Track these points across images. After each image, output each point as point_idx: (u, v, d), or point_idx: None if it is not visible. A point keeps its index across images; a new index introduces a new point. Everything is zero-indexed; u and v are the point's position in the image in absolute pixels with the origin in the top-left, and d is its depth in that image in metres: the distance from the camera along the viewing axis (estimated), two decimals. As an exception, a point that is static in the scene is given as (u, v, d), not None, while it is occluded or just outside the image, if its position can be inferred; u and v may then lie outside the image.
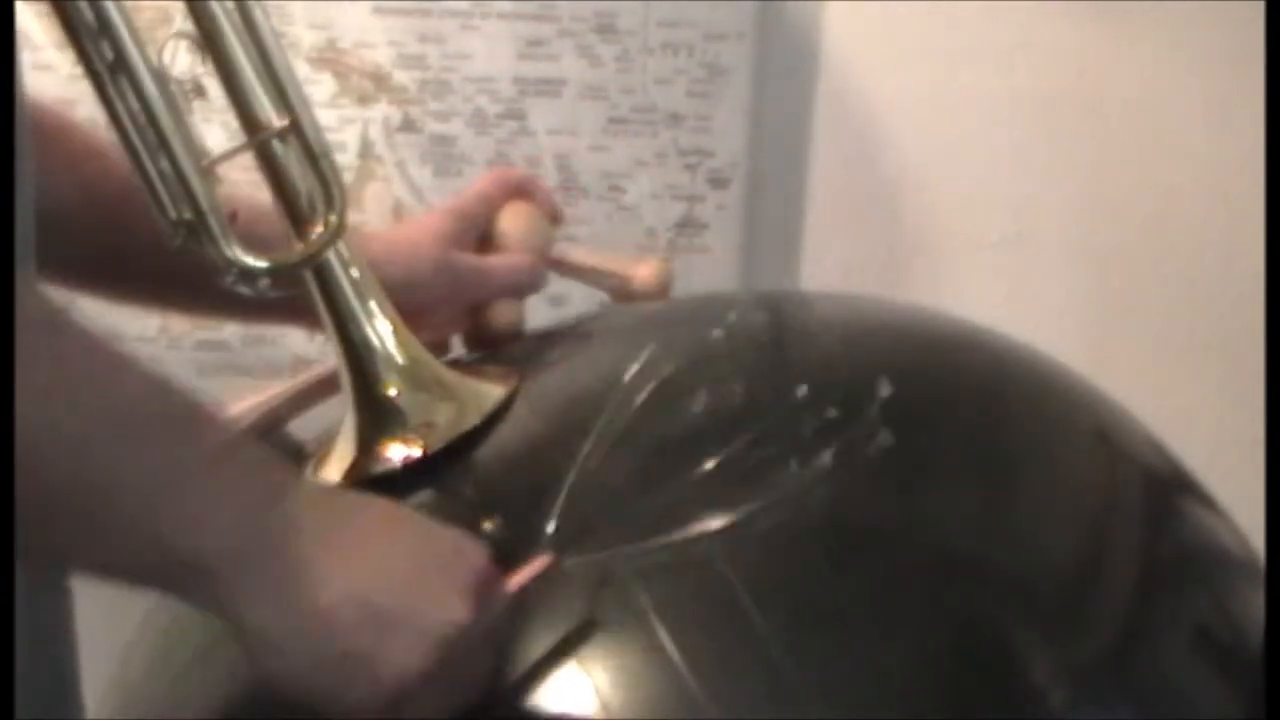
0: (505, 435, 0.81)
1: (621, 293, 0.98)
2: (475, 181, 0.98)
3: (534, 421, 0.82)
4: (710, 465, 0.76)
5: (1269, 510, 0.79)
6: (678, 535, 0.73)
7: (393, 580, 0.66)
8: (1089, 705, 0.73)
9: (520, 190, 0.97)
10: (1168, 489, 0.86)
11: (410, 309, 0.85)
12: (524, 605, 0.71)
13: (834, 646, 0.72)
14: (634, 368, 0.82)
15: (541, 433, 0.81)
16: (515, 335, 0.94)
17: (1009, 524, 0.79)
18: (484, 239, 0.95)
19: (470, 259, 0.92)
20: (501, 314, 0.93)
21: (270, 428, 0.92)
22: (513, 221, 0.95)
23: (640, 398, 0.79)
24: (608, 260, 0.99)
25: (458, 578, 0.67)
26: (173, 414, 0.64)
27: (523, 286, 0.94)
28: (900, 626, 0.72)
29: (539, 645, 0.70)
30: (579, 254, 0.98)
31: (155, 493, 0.62)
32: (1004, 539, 0.78)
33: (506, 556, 0.71)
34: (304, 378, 0.96)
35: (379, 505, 0.71)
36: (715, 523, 0.73)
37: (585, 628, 0.71)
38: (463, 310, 0.93)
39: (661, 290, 0.97)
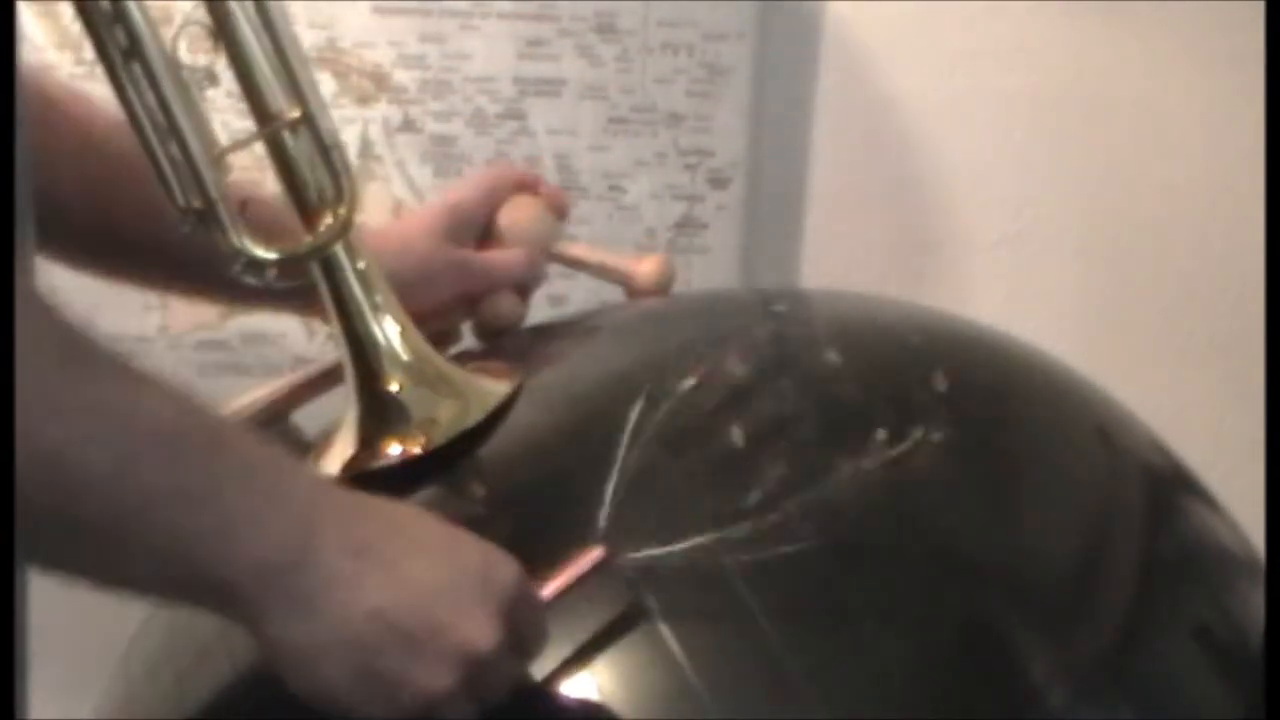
0: (509, 433, 0.81)
1: (625, 289, 0.98)
2: (475, 176, 0.98)
3: (541, 419, 0.82)
4: (724, 471, 0.76)
5: (1269, 510, 0.79)
6: (688, 542, 0.73)
7: (422, 598, 0.65)
8: (1088, 704, 0.73)
9: (523, 185, 0.97)
10: (1168, 488, 0.86)
11: (403, 304, 0.85)
12: (564, 603, 0.70)
13: (834, 646, 0.72)
14: (646, 371, 0.82)
15: (551, 430, 0.81)
16: (514, 329, 0.94)
17: (1009, 523, 0.79)
18: (486, 233, 0.95)
19: (466, 254, 0.92)
20: (500, 307, 0.93)
21: (271, 421, 0.92)
22: (515, 216, 0.95)
23: (653, 401, 0.79)
24: (610, 257, 0.99)
25: (488, 596, 0.66)
26: (201, 432, 0.63)
27: (521, 281, 0.94)
28: (900, 625, 0.72)
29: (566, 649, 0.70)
30: (581, 250, 0.98)
31: (187, 511, 0.61)
32: (1004, 538, 0.78)
33: (537, 556, 0.70)
34: (303, 372, 0.96)
35: (411, 518, 0.70)
36: (730, 529, 0.73)
37: (598, 639, 0.70)
38: (461, 304, 0.93)
39: (663, 287, 0.97)
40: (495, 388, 0.83)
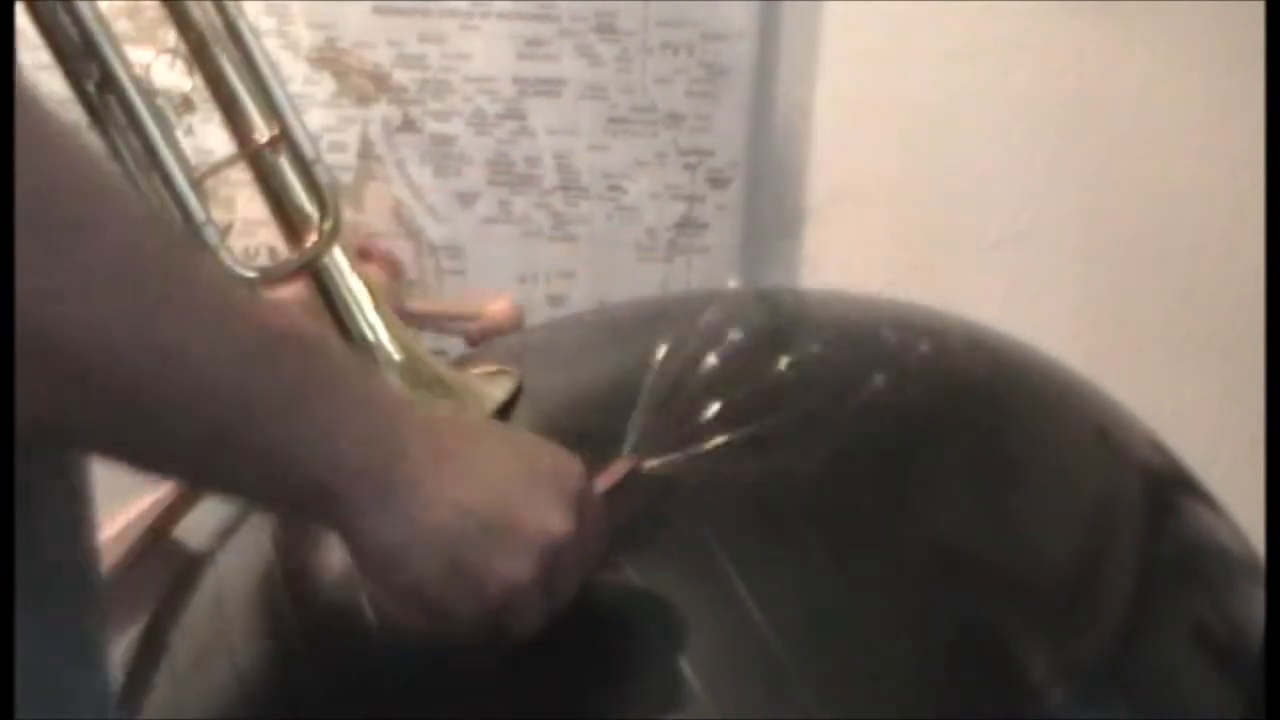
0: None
1: (476, 331, 1.01)
2: None
3: (537, 421, 0.82)
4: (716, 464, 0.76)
5: (1269, 510, 0.79)
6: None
7: (499, 494, 0.68)
8: (1088, 704, 0.73)
9: (360, 253, 0.99)
10: (1167, 488, 0.86)
11: None
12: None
13: (833, 645, 0.72)
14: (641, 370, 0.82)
15: (548, 431, 0.81)
16: None
17: (1009, 522, 0.79)
18: None
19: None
20: None
21: (155, 541, 0.93)
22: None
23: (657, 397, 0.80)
24: (456, 305, 1.02)
25: (560, 490, 0.69)
26: (297, 337, 0.64)
27: None
28: (900, 625, 0.72)
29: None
30: (427, 303, 1.02)
31: (284, 412, 0.62)
32: (1003, 538, 0.78)
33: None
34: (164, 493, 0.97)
35: (483, 424, 0.75)
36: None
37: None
38: None
39: (515, 324, 1.01)
40: (493, 390, 0.84)
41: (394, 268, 1.02)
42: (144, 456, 0.62)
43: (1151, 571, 0.80)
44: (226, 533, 0.86)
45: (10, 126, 0.63)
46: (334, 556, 0.76)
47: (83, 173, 0.56)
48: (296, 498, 0.66)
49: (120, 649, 0.92)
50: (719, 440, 0.77)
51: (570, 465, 0.71)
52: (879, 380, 0.83)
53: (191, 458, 0.62)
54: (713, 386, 0.81)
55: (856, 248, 1.38)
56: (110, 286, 0.56)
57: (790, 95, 1.35)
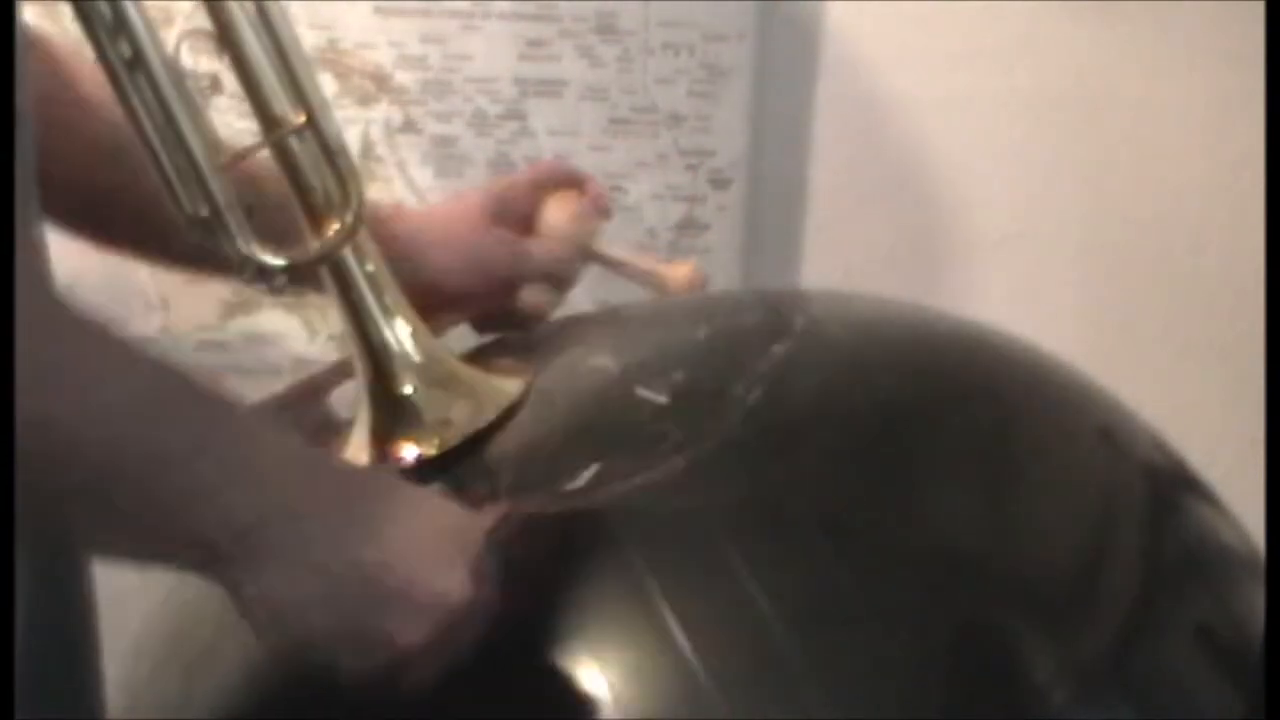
0: (519, 431, 0.81)
1: (655, 293, 0.99)
2: (526, 169, 0.99)
3: (550, 416, 0.82)
4: (714, 465, 0.76)
5: (1269, 509, 0.79)
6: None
7: (397, 557, 0.66)
8: (1090, 704, 0.73)
9: (570, 181, 0.97)
10: (1170, 487, 0.86)
11: (438, 290, 0.86)
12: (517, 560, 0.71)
13: (835, 645, 0.72)
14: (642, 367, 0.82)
15: (555, 430, 0.81)
16: (541, 320, 0.94)
17: (1011, 522, 0.79)
18: (527, 226, 0.95)
19: (507, 238, 0.92)
20: (535, 296, 0.93)
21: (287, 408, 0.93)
22: (557, 211, 0.95)
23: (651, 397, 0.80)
24: (645, 260, 1.00)
25: (463, 553, 0.68)
26: (182, 393, 0.64)
27: (557, 274, 0.94)
28: (902, 625, 0.72)
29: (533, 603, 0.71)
30: (618, 251, 0.99)
31: (170, 470, 0.62)
32: (1006, 537, 0.78)
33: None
34: (309, 372, 0.97)
35: (389, 479, 0.72)
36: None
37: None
38: (495, 289, 0.93)
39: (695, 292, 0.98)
40: (507, 386, 0.83)
41: (603, 208, 0.98)
42: (35, 524, 0.62)
43: (1155, 571, 0.80)
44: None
45: (10, 127, 0.63)
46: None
47: None
48: (179, 554, 0.65)
49: (123, 643, 0.92)
50: (685, 457, 0.76)
51: (477, 525, 0.70)
52: (879, 381, 0.83)
53: (75, 519, 0.62)
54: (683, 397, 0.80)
55: (856, 248, 1.38)
56: None
57: (791, 96, 1.35)
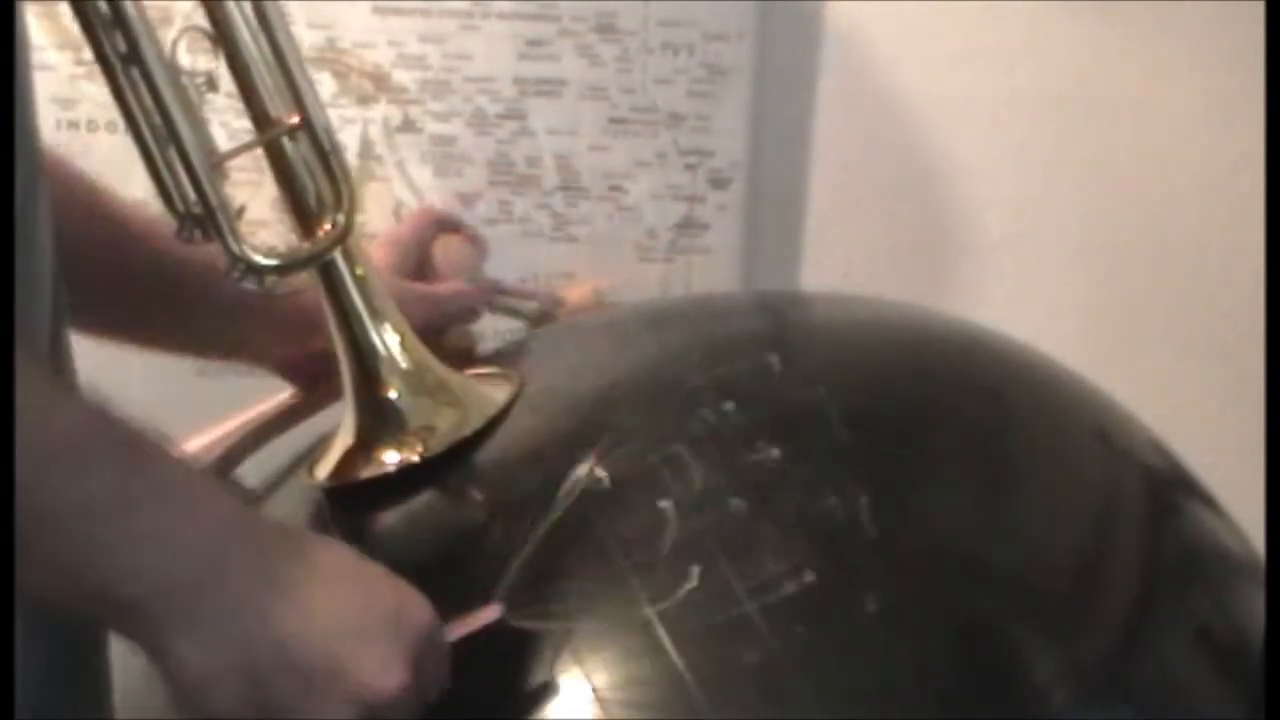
0: (505, 440, 0.81)
1: (549, 316, 1.03)
2: (407, 217, 1.03)
3: (536, 425, 0.82)
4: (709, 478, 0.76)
5: (1269, 510, 0.79)
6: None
7: (327, 634, 0.64)
8: (1090, 705, 0.73)
9: (445, 224, 1.01)
10: (1169, 489, 0.86)
11: None
12: (465, 656, 0.68)
13: (835, 646, 0.72)
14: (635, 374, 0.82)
15: (541, 438, 0.81)
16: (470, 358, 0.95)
17: (1010, 524, 0.79)
18: (421, 273, 0.98)
19: (419, 290, 0.94)
20: (457, 341, 0.96)
21: (230, 462, 0.93)
22: (447, 252, 0.99)
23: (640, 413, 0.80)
24: (538, 286, 1.03)
25: (396, 637, 0.65)
26: (116, 444, 0.62)
27: (470, 311, 0.97)
28: (902, 626, 0.72)
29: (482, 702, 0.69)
30: (510, 281, 1.03)
31: (94, 524, 0.60)
32: (1005, 539, 0.78)
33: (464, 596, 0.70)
34: (260, 409, 0.97)
35: (328, 550, 0.69)
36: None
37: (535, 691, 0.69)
38: (424, 339, 0.93)
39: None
40: (494, 394, 0.83)
41: (480, 242, 1.03)
42: None
43: (1153, 572, 0.80)
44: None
45: (10, 127, 0.63)
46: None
47: None
48: (102, 612, 0.63)
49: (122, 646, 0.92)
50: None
51: (417, 612, 0.67)
52: (878, 383, 0.83)
53: None
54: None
55: (856, 248, 1.38)
56: None
57: (791, 96, 1.35)
